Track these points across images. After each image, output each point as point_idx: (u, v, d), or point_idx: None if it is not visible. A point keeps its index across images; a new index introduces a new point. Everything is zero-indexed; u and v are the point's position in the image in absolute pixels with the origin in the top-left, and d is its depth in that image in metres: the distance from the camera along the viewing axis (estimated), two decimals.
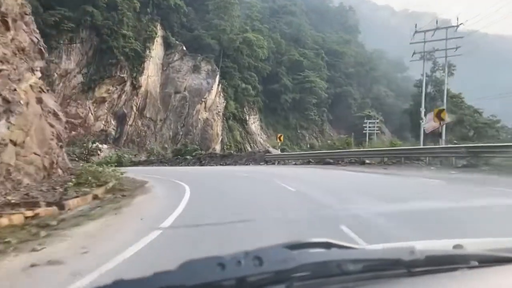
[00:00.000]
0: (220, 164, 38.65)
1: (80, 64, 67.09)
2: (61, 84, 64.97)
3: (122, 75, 68.19)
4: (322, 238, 0.99)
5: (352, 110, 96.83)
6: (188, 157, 40.72)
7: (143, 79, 70.86)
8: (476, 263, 1.09)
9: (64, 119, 17.78)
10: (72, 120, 66.21)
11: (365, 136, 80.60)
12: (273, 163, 33.94)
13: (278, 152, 39.76)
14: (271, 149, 41.52)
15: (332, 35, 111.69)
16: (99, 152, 64.83)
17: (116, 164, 40.44)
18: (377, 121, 59.36)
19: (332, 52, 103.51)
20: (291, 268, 0.83)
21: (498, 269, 1.09)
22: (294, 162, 32.40)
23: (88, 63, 67.63)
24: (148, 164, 42.58)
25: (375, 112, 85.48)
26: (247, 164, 35.48)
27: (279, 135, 39.48)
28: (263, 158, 35.72)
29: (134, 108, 70.36)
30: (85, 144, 64.20)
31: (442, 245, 1.40)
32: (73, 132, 66.58)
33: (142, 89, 71.11)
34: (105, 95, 67.73)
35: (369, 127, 61.28)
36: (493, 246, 1.33)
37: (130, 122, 69.52)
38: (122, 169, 19.00)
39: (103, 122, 68.16)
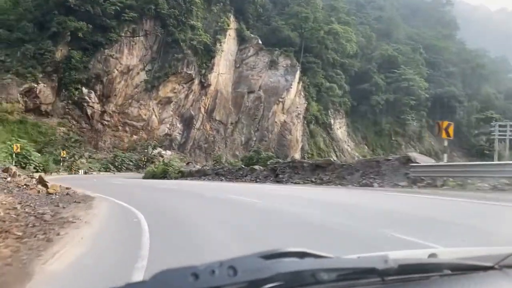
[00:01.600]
0: (312, 181, 21.69)
1: (143, 59, 61.10)
2: (122, 82, 59.09)
3: (190, 72, 60.93)
4: (297, 248, 0.97)
5: (458, 115, 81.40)
6: (257, 167, 27.99)
7: (212, 77, 63.07)
8: (449, 271, 1.10)
9: None
10: (134, 122, 59.88)
11: (473, 147, 66.43)
12: (431, 183, 15.92)
13: (444, 159, 19.51)
14: (417, 155, 21.18)
15: (428, 31, 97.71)
16: (161, 159, 57.50)
17: (161, 175, 34.28)
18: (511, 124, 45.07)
19: (431, 48, 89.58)
20: (265, 278, 0.83)
21: (470, 276, 1.13)
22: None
23: (152, 59, 61.45)
24: (200, 177, 32.72)
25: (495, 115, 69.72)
26: (371, 185, 17.72)
27: (445, 123, 17.03)
28: (403, 172, 17.75)
29: (202, 109, 62.58)
30: (145, 150, 57.46)
31: (417, 254, 1.49)
32: (135, 136, 60.11)
33: (212, 88, 63.26)
34: (170, 94, 60.80)
35: (499, 133, 46.77)
36: (466, 254, 1.38)
37: (197, 126, 61.70)
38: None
39: (168, 126, 61.08)
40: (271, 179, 25.22)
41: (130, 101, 59.57)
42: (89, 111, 57.49)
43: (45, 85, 55.50)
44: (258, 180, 26.07)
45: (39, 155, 38.52)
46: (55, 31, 54.14)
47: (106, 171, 49.04)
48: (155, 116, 60.64)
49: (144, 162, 53.62)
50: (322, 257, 1.01)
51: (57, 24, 54.20)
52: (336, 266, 0.99)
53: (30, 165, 32.92)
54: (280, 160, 34.88)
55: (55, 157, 44.72)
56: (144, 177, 36.81)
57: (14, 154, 32.46)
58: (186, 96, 61.89)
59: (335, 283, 0.95)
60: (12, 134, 48.87)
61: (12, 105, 53.16)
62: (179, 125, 61.65)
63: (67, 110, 56.88)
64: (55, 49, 55.50)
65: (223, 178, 30.20)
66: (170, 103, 61.22)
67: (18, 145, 31.59)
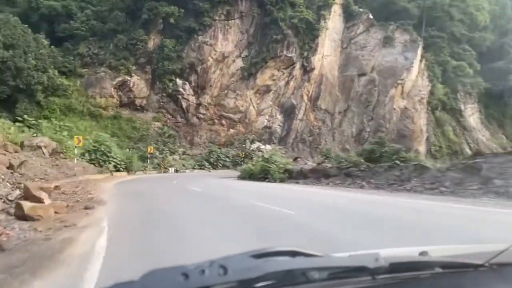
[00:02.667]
0: None
1: (239, 45, 55.55)
2: (217, 72, 53.96)
3: (290, 55, 53.98)
4: (288, 247, 0.99)
5: None
6: (384, 165, 18.23)
7: (316, 60, 55.42)
8: (440, 270, 1.12)
9: None
10: (231, 115, 54.40)
11: None
12: None
13: None
14: None
15: None
16: (259, 154, 51.00)
17: (260, 175, 25.97)
18: None
19: None
20: (256, 277, 0.84)
21: (460, 274, 1.14)
22: None
23: (248, 44, 55.68)
24: (317, 179, 22.96)
25: None
26: None
27: None
28: None
29: (305, 97, 55.09)
30: (243, 145, 51.48)
31: (407, 252, 1.47)
32: (231, 130, 54.57)
33: (315, 72, 55.60)
34: (269, 82, 54.30)
35: None
36: (457, 252, 1.42)
37: (300, 116, 54.34)
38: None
39: (267, 117, 54.55)
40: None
41: (226, 91, 54.29)
42: (184, 104, 53.24)
43: (138, 77, 52.37)
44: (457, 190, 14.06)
45: (121, 151, 33.35)
46: (146, 18, 50.79)
47: (200, 168, 43.69)
48: (253, 107, 54.57)
49: (242, 158, 47.50)
50: (313, 256, 1.01)
51: (148, 11, 50.82)
52: (327, 264, 0.99)
53: (110, 162, 27.83)
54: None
55: (143, 154, 39.93)
56: (239, 177, 29.65)
57: (92, 151, 27.61)
58: (287, 83, 54.96)
59: (326, 282, 0.95)
60: (106, 130, 45.78)
61: (106, 99, 50.58)
62: (279, 116, 54.83)
63: (161, 103, 53.21)
64: (147, 38, 52.23)
65: (362, 182, 19.55)
66: (268, 92, 54.74)
67: (80, 137, 26.36)
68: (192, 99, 53.68)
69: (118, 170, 28.96)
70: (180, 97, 53.02)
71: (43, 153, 19.42)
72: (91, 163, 26.13)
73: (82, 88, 50.53)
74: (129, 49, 51.69)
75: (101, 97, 50.40)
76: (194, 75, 53.58)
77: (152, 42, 53.11)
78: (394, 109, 54.17)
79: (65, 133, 30.15)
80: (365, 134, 53.96)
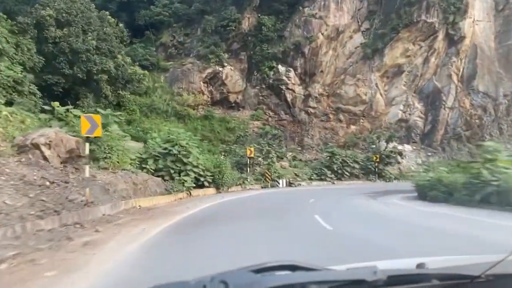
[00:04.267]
0: None
1: (357, 15, 43.18)
2: (330, 52, 41.96)
3: (430, 20, 40.03)
4: (287, 261, 1.01)
5: None
6: None
7: (466, 26, 40.69)
8: (437, 282, 1.13)
9: None
10: (350, 107, 41.69)
11: None
12: None
13: None
14: None
15: None
16: (398, 158, 37.24)
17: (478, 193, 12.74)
18: None
19: None
20: None
21: (458, 287, 1.15)
22: None
23: (369, 13, 43.04)
24: None
25: None
26: None
27: None
28: None
29: (454, 77, 40.36)
30: (372, 146, 38.25)
31: (405, 264, 1.52)
32: (352, 127, 41.73)
33: (466, 42, 40.76)
34: (401, 60, 40.85)
35: None
36: (454, 263, 1.43)
37: (449, 103, 39.74)
38: None
39: (401, 107, 40.93)
40: None
41: (342, 77, 41.95)
42: (288, 97, 41.99)
43: (232, 67, 42.42)
44: None
45: (207, 156, 21.89)
46: None
47: (319, 178, 31.18)
48: (380, 94, 41.34)
49: (375, 164, 34.21)
50: (312, 269, 1.02)
51: None
52: (327, 278, 1.00)
53: (187, 173, 16.58)
54: None
55: (239, 159, 28.06)
56: (419, 194, 17.63)
57: (161, 156, 16.80)
58: (426, 60, 40.93)
59: None
60: (195, 133, 35.91)
61: (195, 96, 41.06)
62: (419, 105, 40.76)
63: (260, 98, 42.54)
64: (240, 17, 42.40)
65: None
66: (400, 73, 41.17)
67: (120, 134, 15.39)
68: (299, 89, 42.30)
69: (201, 185, 19.04)
70: (283, 88, 41.94)
71: (44, 157, 8.90)
72: (157, 175, 15.64)
73: (166, 84, 41.92)
74: (220, 32, 42.25)
75: (188, 94, 41.14)
76: (300, 59, 42.31)
77: (247, 22, 43.16)
78: None
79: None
80: None
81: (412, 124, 40.25)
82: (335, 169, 31.79)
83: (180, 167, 17.30)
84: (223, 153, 27.55)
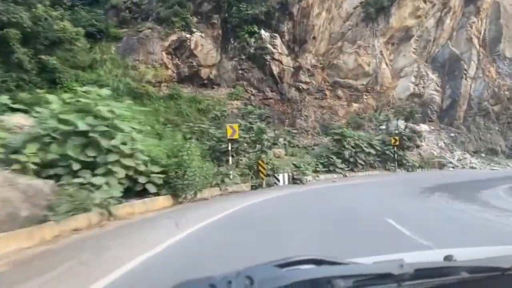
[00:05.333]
0: None
1: None
2: (323, 14, 34.16)
3: None
4: (311, 255, 1.00)
5: None
6: None
7: None
8: (466, 274, 1.10)
9: None
10: (351, 81, 33.97)
11: None
12: None
13: None
14: None
15: None
16: (417, 140, 29.67)
17: None
18: None
19: None
20: (282, 287, 0.86)
21: (488, 279, 1.12)
22: None
23: None
24: None
25: None
26: None
27: None
28: None
29: (475, 41, 33.22)
30: (381, 127, 30.58)
31: (432, 256, 1.48)
32: (354, 105, 34.08)
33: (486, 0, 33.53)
34: (409, 22, 33.49)
35: None
36: (483, 255, 1.35)
37: (471, 73, 32.58)
38: None
39: (412, 79, 33.49)
40: None
41: (339, 44, 34.24)
42: (275, 70, 33.91)
43: (202, 34, 33.90)
44: None
45: (159, 142, 12.88)
46: None
47: (327, 170, 22.99)
48: (386, 64, 33.83)
49: (393, 148, 26.44)
50: (338, 263, 1.02)
51: None
52: (352, 272, 0.99)
53: (111, 169, 8.04)
54: None
55: (215, 146, 18.73)
56: None
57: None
58: (439, 21, 33.65)
59: None
60: (157, 117, 27.78)
61: (156, 71, 32.15)
62: (433, 76, 33.44)
63: (240, 72, 34.38)
64: None
65: None
66: (409, 38, 33.83)
67: None
68: (287, 61, 34.30)
69: (140, 192, 10.75)
70: (268, 59, 33.78)
71: None
72: (45, 176, 7.33)
73: (118, 56, 32.89)
74: None
75: (147, 68, 32.15)
76: (287, 23, 34.35)
77: None
78: None
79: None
80: None
81: (427, 99, 32.92)
82: (347, 156, 23.70)
83: (94, 157, 8.73)
84: (189, 136, 18.69)
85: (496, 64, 32.80)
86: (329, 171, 22.99)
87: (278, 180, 18.12)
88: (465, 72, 32.38)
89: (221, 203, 11.67)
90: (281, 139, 27.60)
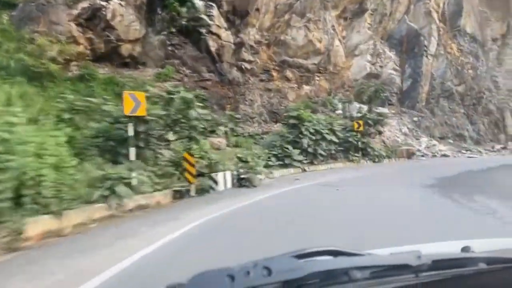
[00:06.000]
0: None
1: None
2: None
3: None
4: (329, 246, 1.01)
5: None
6: None
7: None
8: (485, 266, 1.09)
9: None
10: (301, 60, 29.48)
11: None
12: None
13: None
14: None
15: None
16: (382, 125, 25.66)
17: None
18: None
19: None
20: (299, 277, 0.87)
21: (507, 270, 1.11)
22: None
23: None
24: None
25: None
26: None
27: None
28: None
29: (435, 16, 30.15)
30: (336, 112, 26.34)
31: (449, 247, 1.47)
32: (306, 88, 29.74)
33: None
34: None
35: None
36: (501, 246, 1.38)
37: (432, 49, 29.32)
38: None
39: (368, 58, 29.76)
40: None
41: (287, 17, 29.71)
42: (212, 46, 28.62)
43: (121, 1, 27.64)
44: None
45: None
46: None
47: (282, 164, 17.79)
48: (339, 41, 29.68)
49: (357, 135, 22.04)
50: (354, 254, 1.02)
51: None
52: (369, 263, 1.00)
53: None
54: None
55: (110, 132, 12.52)
56: None
57: None
58: None
59: (369, 281, 0.96)
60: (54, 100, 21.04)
61: (62, 45, 25.43)
62: (391, 54, 29.80)
63: (170, 49, 28.73)
64: None
65: None
66: (363, 12, 30.11)
67: None
68: (227, 36, 29.19)
69: None
70: (203, 32, 28.34)
71: None
72: None
73: (12, 26, 25.96)
74: None
75: (50, 41, 25.36)
76: None
77: None
78: None
79: None
80: None
81: (386, 79, 29.26)
82: (305, 146, 18.77)
83: None
84: (67, 116, 12.42)
85: (457, 40, 29.88)
86: (284, 165, 17.95)
87: (216, 183, 12.36)
88: (425, 49, 29.05)
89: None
90: (221, 127, 22.17)
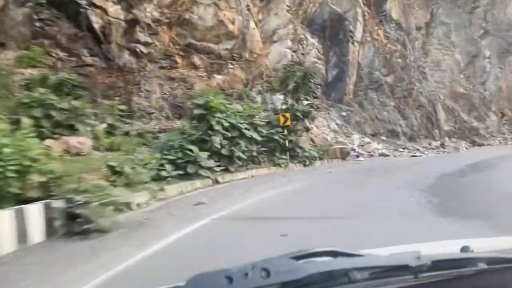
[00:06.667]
0: None
1: None
2: None
3: None
4: (328, 247, 1.01)
5: None
6: None
7: None
8: (485, 266, 1.09)
9: None
10: (210, 44, 24.55)
11: None
12: None
13: None
14: None
15: None
16: (306, 121, 21.39)
17: None
18: None
19: None
20: (298, 279, 0.87)
21: (507, 270, 1.11)
22: None
23: None
24: None
25: None
26: None
27: None
28: None
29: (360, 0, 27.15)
30: (254, 102, 21.77)
31: (448, 247, 1.46)
32: (217, 77, 24.63)
33: None
34: None
35: None
36: (502, 246, 1.37)
37: (357, 36, 26.35)
38: None
39: (289, 44, 26.03)
40: None
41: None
42: (96, 23, 22.71)
43: None
44: None
45: None
46: None
47: (184, 173, 12.42)
48: (255, 24, 25.60)
49: (283, 131, 17.45)
50: (354, 255, 1.02)
51: None
52: (368, 264, 1.00)
53: None
54: None
55: None
56: None
57: None
58: None
59: (368, 282, 0.96)
60: None
61: None
62: (314, 41, 26.15)
63: (38, 25, 22.23)
64: None
65: None
66: None
67: None
68: (116, 10, 23.52)
69: None
70: (84, 4, 22.31)
71: None
72: None
73: None
74: None
75: None
76: None
77: None
78: None
79: None
80: (484, 63, 27.26)
81: (309, 69, 25.28)
82: (217, 146, 13.42)
83: None
84: None
85: (383, 27, 27.18)
86: (186, 176, 12.29)
87: None
88: (351, 35, 25.82)
89: None
90: (89, 121, 16.06)
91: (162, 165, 11.18)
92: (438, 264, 1.01)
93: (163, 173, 10.89)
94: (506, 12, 29.76)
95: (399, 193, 9.04)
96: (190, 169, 11.81)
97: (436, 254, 1.09)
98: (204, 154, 12.35)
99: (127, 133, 15.36)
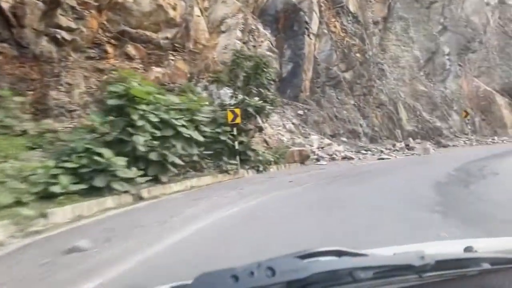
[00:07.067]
0: None
1: None
2: None
3: None
4: (333, 247, 1.02)
5: None
6: None
7: None
8: (489, 266, 1.10)
9: None
10: (148, 33, 21.10)
11: None
12: None
13: None
14: None
15: None
16: (261, 122, 18.62)
17: None
18: None
19: None
20: (303, 278, 0.88)
21: (510, 270, 1.11)
22: None
23: None
24: None
25: None
26: None
27: None
28: None
29: None
30: (193, 97, 18.75)
31: (452, 247, 1.48)
32: (156, 70, 21.18)
33: None
34: None
35: None
36: (506, 246, 1.37)
37: (314, 28, 24.08)
38: None
39: (238, 34, 23.14)
40: None
41: None
42: (4, 2, 18.19)
43: None
44: None
45: None
46: None
47: (87, 189, 8.49)
48: (201, 12, 22.59)
49: (232, 131, 14.47)
50: (358, 255, 1.03)
51: None
52: (373, 264, 1.01)
53: None
54: None
55: None
56: None
57: None
58: None
59: (372, 281, 0.96)
60: None
61: None
62: (266, 32, 23.58)
63: None
64: None
65: None
66: None
67: None
68: None
69: None
70: None
71: None
72: None
73: None
74: None
75: None
76: None
77: None
78: None
79: None
80: (444, 60, 26.01)
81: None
82: (141, 149, 10.17)
83: None
84: None
85: (340, 19, 25.18)
86: (95, 191, 8.73)
87: None
88: (306, 26, 23.50)
89: None
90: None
91: (54, 176, 7.87)
92: (442, 264, 1.00)
93: (55, 189, 7.57)
94: (463, 8, 29.09)
95: (408, 215, 6.21)
96: (99, 182, 8.47)
97: (440, 254, 1.07)
98: (121, 160, 9.03)
99: (24, 133, 11.81)
